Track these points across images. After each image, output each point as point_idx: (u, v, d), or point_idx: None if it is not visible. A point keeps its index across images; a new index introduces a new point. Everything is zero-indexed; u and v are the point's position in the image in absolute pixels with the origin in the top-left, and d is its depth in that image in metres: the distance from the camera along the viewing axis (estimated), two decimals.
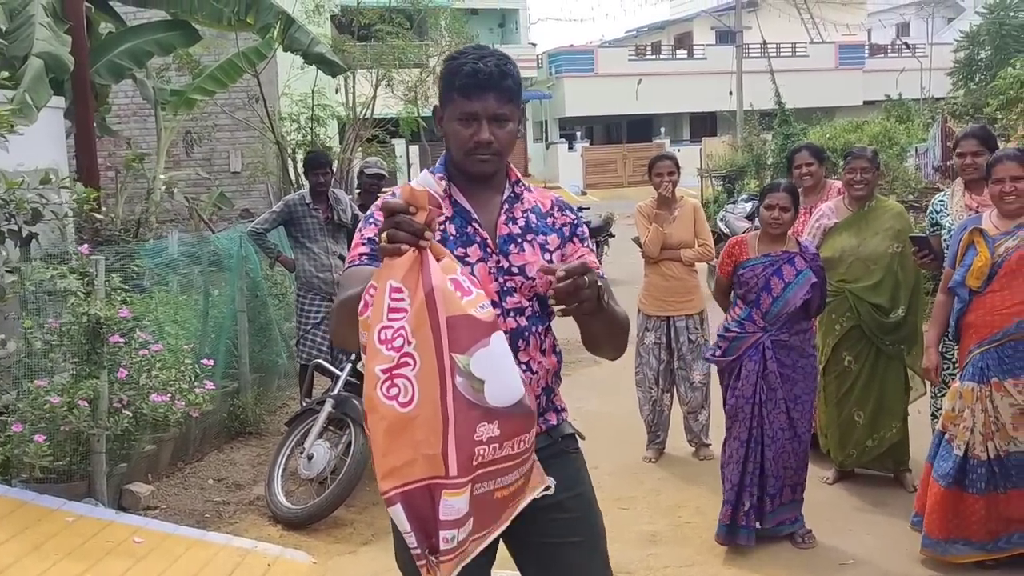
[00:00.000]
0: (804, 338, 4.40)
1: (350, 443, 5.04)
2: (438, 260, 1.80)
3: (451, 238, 2.12)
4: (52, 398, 4.40)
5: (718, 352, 4.51)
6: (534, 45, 38.71)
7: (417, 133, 15.72)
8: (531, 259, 2.16)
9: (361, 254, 2.13)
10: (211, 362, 5.59)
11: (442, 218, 1.95)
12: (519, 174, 2.29)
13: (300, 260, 6.33)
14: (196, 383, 5.19)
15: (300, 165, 9.43)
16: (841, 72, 36.78)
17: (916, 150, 12.97)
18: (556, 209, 2.29)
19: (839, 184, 5.69)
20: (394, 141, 22.10)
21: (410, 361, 1.75)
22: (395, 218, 1.75)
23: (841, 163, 5.30)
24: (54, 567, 3.88)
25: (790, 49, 36.25)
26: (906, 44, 32.30)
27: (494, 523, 1.86)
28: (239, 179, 13.11)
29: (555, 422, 2.27)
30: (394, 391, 1.74)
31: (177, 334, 5.87)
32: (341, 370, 5.44)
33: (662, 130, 36.11)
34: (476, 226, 2.15)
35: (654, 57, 38.25)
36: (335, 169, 11.20)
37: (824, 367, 5.02)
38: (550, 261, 2.18)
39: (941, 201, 4.87)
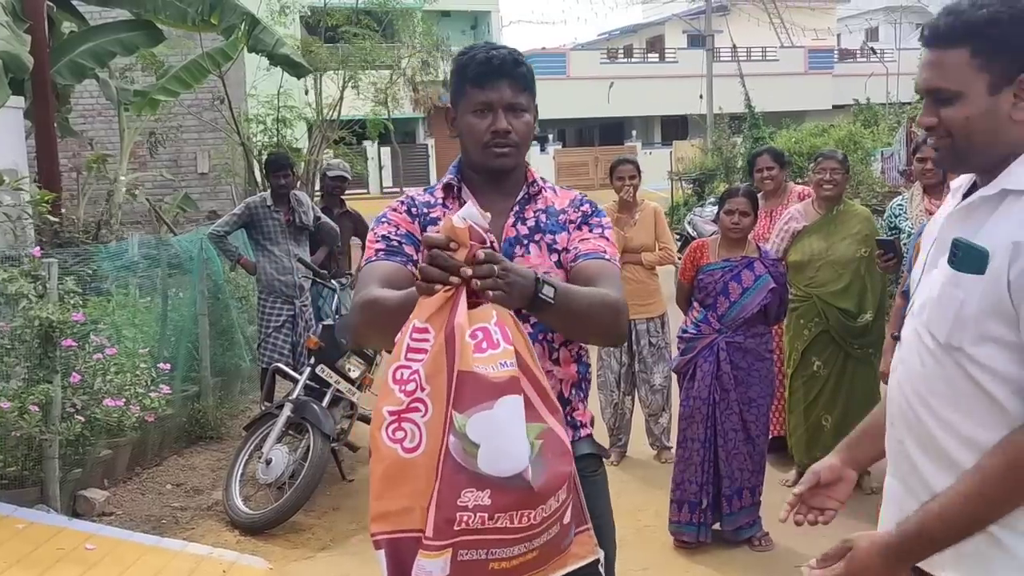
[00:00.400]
0: (760, 342, 4.42)
1: (309, 447, 5.01)
2: (475, 305, 1.71)
3: None
4: (2, 403, 4.34)
5: (676, 354, 4.54)
6: None
7: (386, 135, 15.67)
8: (537, 261, 2.07)
9: (377, 250, 2.08)
10: (168, 366, 5.53)
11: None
12: (537, 175, 2.21)
13: (261, 263, 6.29)
14: (152, 387, 5.13)
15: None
16: (811, 76, 37.11)
17: (881, 154, 13.11)
18: (571, 206, 2.19)
19: (800, 188, 5.74)
20: (365, 143, 22.10)
21: (420, 407, 1.69)
22: (431, 253, 1.68)
23: (810, 166, 5.34)
24: (3, 574, 3.82)
25: (760, 53, 36.54)
26: (873, 49, 32.63)
27: None
28: (206, 181, 13.02)
29: (570, 439, 2.06)
30: (400, 435, 1.69)
31: (135, 337, 5.81)
32: (301, 374, 5.41)
33: (634, 133, 36.27)
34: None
35: (626, 60, 38.43)
36: (302, 171, 11.16)
37: (793, 372, 5.05)
38: (558, 262, 2.09)
39: (900, 205, 4.91)
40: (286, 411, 5.11)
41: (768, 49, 36.49)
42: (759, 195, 5.70)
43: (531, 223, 2.12)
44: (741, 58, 27.42)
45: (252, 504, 5.02)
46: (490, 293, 1.70)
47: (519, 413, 1.68)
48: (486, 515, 1.63)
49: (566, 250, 2.11)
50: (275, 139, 11.41)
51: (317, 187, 7.42)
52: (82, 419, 4.63)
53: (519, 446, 1.67)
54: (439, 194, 2.16)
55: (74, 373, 4.66)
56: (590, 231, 2.16)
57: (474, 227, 1.74)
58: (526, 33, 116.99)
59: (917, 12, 37.31)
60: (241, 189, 11.56)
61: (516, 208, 2.12)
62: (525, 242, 2.09)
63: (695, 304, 4.51)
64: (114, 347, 5.12)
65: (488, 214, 1.82)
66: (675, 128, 35.63)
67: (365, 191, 26.78)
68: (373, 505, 1.71)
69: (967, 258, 1.66)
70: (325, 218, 6.57)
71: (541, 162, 34.29)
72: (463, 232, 1.70)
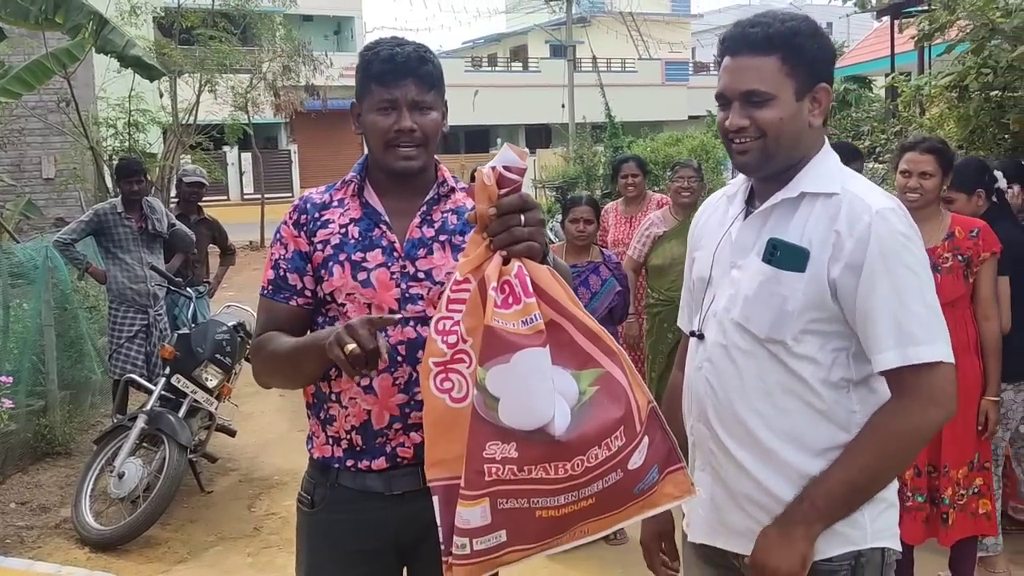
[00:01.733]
0: None
1: (164, 459, 4.89)
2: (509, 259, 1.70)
3: (352, 241, 2.01)
4: None
5: None
6: None
7: (247, 140, 15.35)
8: (440, 262, 2.01)
9: (268, 281, 2.06)
10: (9, 379, 5.30)
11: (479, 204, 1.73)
12: (450, 174, 2.13)
13: (112, 272, 6.10)
14: None
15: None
16: (667, 88, 38.40)
17: (730, 163, 13.71)
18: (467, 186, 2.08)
19: (658, 196, 6.00)
20: (224, 148, 21.56)
21: (465, 359, 1.72)
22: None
23: (668, 174, 5.57)
24: None
25: (620, 65, 37.56)
26: None
27: (546, 538, 1.72)
28: (52, 186, 12.43)
29: None
30: (447, 385, 1.73)
31: None
32: (156, 385, 5.28)
33: (499, 140, 36.62)
34: (383, 228, 2.02)
35: (490, 69, 38.82)
36: (156, 177, 10.82)
37: (660, 375, 5.24)
38: None
39: None
40: (140, 422, 4.97)
41: (627, 61, 37.55)
42: (620, 201, 5.94)
43: (438, 224, 2.05)
44: (601, 69, 28.13)
45: (103, 520, 4.86)
46: (503, 251, 1.69)
47: (540, 367, 1.66)
48: (515, 467, 1.64)
49: None
50: (127, 143, 11.02)
51: (173, 193, 7.22)
52: None
53: (542, 400, 1.65)
54: (337, 194, 2.09)
55: None
56: None
57: (504, 175, 1.69)
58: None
59: None
60: (90, 195, 11.11)
61: (423, 208, 2.05)
62: (429, 243, 2.03)
63: None
64: None
65: (526, 151, 1.79)
66: (539, 136, 36.19)
67: (225, 198, 26.11)
68: (428, 452, 1.76)
69: (787, 257, 1.79)
70: (180, 225, 6.43)
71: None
72: (491, 188, 1.68)
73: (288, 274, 2.04)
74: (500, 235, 1.68)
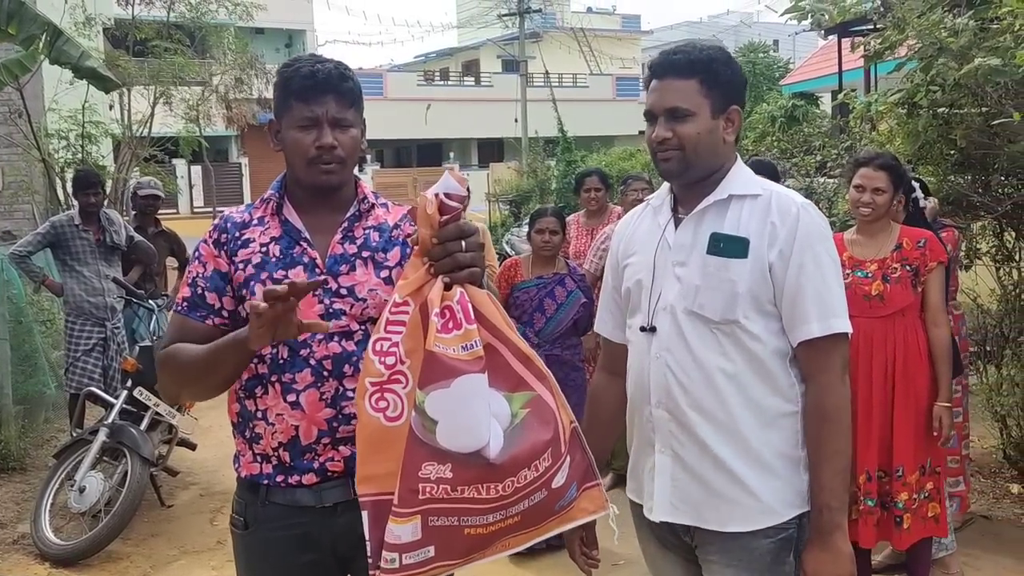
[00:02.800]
0: (574, 352, 4.67)
1: (126, 473, 4.85)
2: (449, 287, 1.75)
3: (273, 260, 2.00)
4: None
5: None
6: None
7: (199, 153, 15.19)
8: (362, 279, 2.01)
9: (183, 299, 2.04)
10: None
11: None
12: (370, 191, 2.14)
13: (69, 284, 6.03)
14: None
15: (70, 185, 8.94)
16: (618, 103, 38.74)
17: None
18: (406, 221, 2.12)
19: (619, 209, 6.09)
20: (175, 161, 21.29)
21: (402, 379, 1.76)
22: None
23: (620, 188, 5.65)
24: None
25: (571, 80, 37.85)
26: None
27: (471, 553, 1.78)
28: (1, 199, 12.20)
29: None
30: (382, 404, 1.76)
31: None
32: (116, 398, 5.23)
33: (451, 155, 36.66)
34: (304, 246, 2.02)
35: (443, 83, 38.86)
36: (109, 189, 10.67)
37: None
38: (387, 278, 2.03)
39: None
40: (101, 436, 4.92)
41: (579, 76, 37.87)
42: (582, 213, 6.01)
43: (360, 241, 2.06)
44: (553, 84, 28.35)
45: (64, 535, 4.80)
46: (445, 276, 1.75)
47: (479, 392, 1.72)
48: (448, 487, 1.70)
49: (400, 265, 2.04)
50: (79, 156, 10.85)
51: (132, 207, 7.14)
52: None
53: (479, 424, 1.71)
54: (257, 212, 2.08)
55: None
56: None
57: (445, 202, 1.74)
58: (342, 53, 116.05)
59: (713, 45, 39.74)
60: (42, 207, 10.92)
61: (345, 225, 2.06)
62: (352, 259, 2.03)
63: (512, 321, 4.70)
64: None
65: (467, 177, 1.83)
66: (491, 150, 36.31)
67: (174, 211, 25.79)
68: (359, 468, 1.79)
69: (729, 247, 2.05)
70: (140, 237, 6.37)
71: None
72: (431, 216, 1.72)
73: (207, 292, 2.02)
74: (442, 260, 1.75)
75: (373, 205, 2.13)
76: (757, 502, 2.07)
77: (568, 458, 1.83)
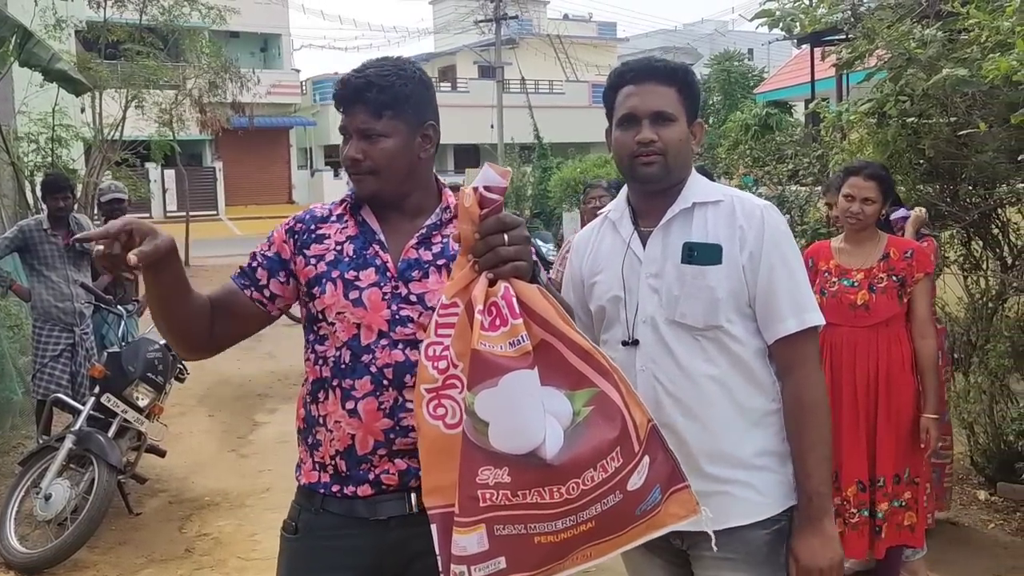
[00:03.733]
0: None
1: (93, 481, 4.79)
2: (495, 282, 1.68)
3: (346, 259, 1.98)
4: None
5: None
6: (297, 71, 38.25)
7: (171, 157, 15.10)
8: (434, 287, 1.95)
9: (240, 267, 2.07)
10: None
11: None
12: (452, 199, 2.06)
13: (37, 289, 5.96)
14: None
15: (39, 188, 8.86)
16: (594, 109, 38.75)
17: None
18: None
19: None
20: (147, 165, 21.14)
21: (457, 384, 1.68)
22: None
23: (582, 196, 5.66)
24: None
25: (547, 86, 37.97)
26: None
27: (547, 564, 1.68)
28: None
29: None
30: (441, 411, 1.69)
31: None
32: (84, 404, 5.17)
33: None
34: (377, 248, 1.99)
35: None
36: (80, 193, 10.58)
37: None
38: None
39: None
40: (68, 443, 4.86)
41: (555, 83, 37.99)
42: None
43: (437, 248, 2.01)
44: (529, 90, 28.45)
45: (29, 543, 4.73)
46: (489, 272, 1.69)
47: (529, 389, 1.64)
48: (509, 492, 1.61)
49: None
50: (49, 159, 10.75)
51: (99, 213, 7.07)
52: None
53: (531, 422, 1.63)
54: (337, 209, 2.08)
55: None
56: None
57: (485, 195, 1.68)
58: (318, 58, 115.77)
59: (688, 53, 40.00)
60: (10, 212, 10.81)
61: (423, 231, 2.01)
62: (426, 267, 1.98)
63: None
64: None
65: (509, 170, 1.75)
66: (468, 156, 36.32)
67: (147, 215, 25.59)
68: (424, 480, 1.73)
69: (703, 254, 2.09)
70: None
71: (335, 187, 33.97)
72: (471, 209, 1.67)
73: (259, 268, 2.03)
74: (485, 256, 1.69)
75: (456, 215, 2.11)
76: (755, 495, 2.12)
77: (646, 458, 1.74)
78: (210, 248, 20.35)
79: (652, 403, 2.07)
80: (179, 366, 5.67)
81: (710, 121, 24.35)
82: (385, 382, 1.93)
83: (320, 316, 1.99)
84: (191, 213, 21.63)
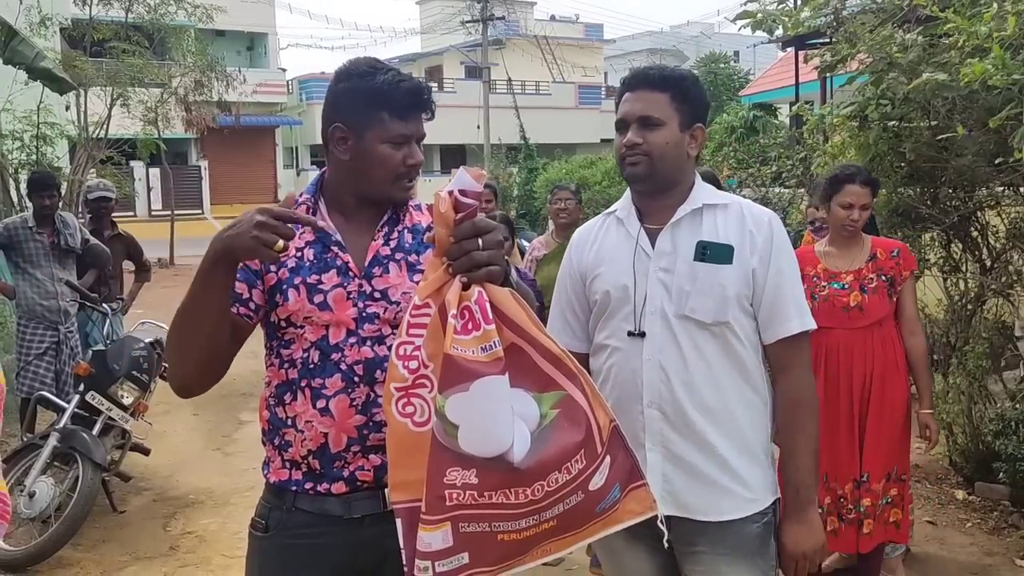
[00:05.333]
0: None
1: (77, 478, 4.79)
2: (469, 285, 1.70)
3: (307, 264, 1.97)
4: None
5: None
6: (284, 70, 38.14)
7: (157, 155, 15.05)
8: (396, 281, 1.98)
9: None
10: None
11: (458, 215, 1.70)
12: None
13: (22, 287, 5.94)
14: None
15: (24, 186, 8.82)
16: (580, 111, 39.00)
17: None
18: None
19: None
20: (132, 163, 21.04)
21: (426, 383, 1.72)
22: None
23: (549, 198, 5.68)
24: None
25: (534, 87, 38.00)
26: None
27: (508, 560, 1.72)
28: None
29: None
30: (410, 409, 1.72)
31: None
32: (68, 402, 5.17)
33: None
34: (336, 249, 1.98)
35: None
36: (65, 191, 10.52)
37: None
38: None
39: None
40: (52, 440, 4.86)
41: (541, 84, 38.03)
42: (552, 232, 5.94)
43: (394, 243, 2.03)
44: (516, 91, 28.48)
45: (12, 541, 4.72)
46: (463, 275, 1.70)
47: (500, 395, 1.66)
48: (475, 492, 1.65)
49: None
50: (34, 157, 10.70)
51: (85, 211, 7.05)
52: None
53: (500, 427, 1.66)
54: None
55: None
56: None
57: (460, 199, 1.69)
58: (305, 57, 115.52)
59: (675, 55, 40.18)
60: None
61: (385, 228, 2.03)
62: (385, 262, 2.00)
63: None
64: None
65: (484, 173, 1.76)
66: (454, 157, 36.30)
67: (132, 214, 25.50)
68: (391, 475, 1.76)
69: (715, 254, 2.21)
70: (95, 240, 6.31)
71: None
72: (446, 214, 1.68)
73: (237, 283, 1.97)
74: (459, 260, 1.69)
75: (408, 207, 2.10)
76: (748, 490, 2.24)
77: (608, 458, 1.77)
78: (195, 247, 20.17)
79: (656, 392, 2.23)
80: (164, 364, 5.67)
81: None
82: (356, 379, 1.94)
83: (285, 323, 1.97)
84: (176, 212, 21.57)
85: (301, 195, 2.04)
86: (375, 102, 1.94)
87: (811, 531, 2.25)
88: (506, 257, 1.79)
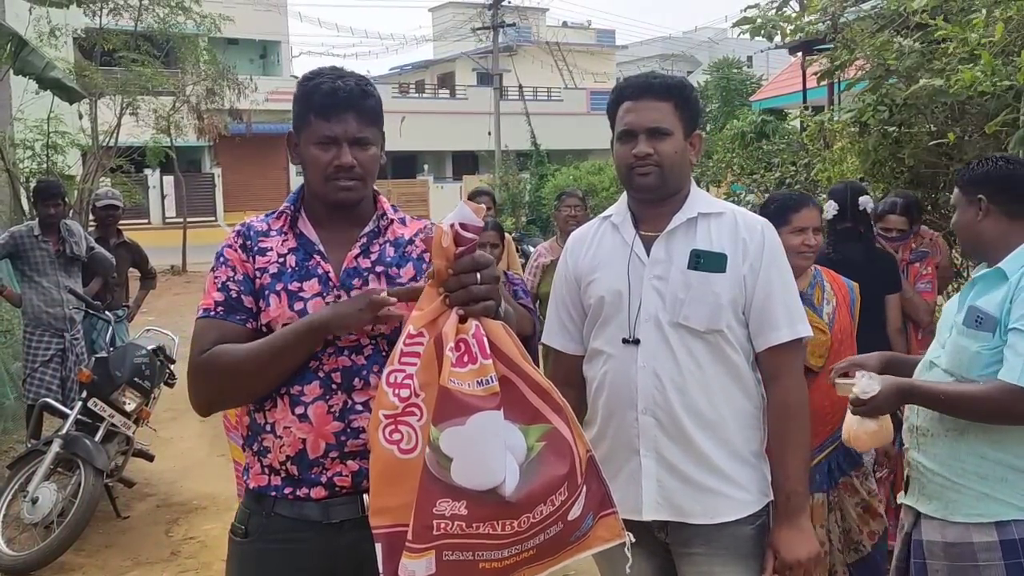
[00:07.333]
0: None
1: (80, 484, 4.83)
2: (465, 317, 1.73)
3: (289, 271, 2.00)
4: None
5: None
6: (296, 78, 38.29)
7: (168, 163, 15.15)
8: None
9: (217, 303, 1.99)
10: None
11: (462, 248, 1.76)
12: (389, 206, 2.12)
13: (28, 295, 6.00)
14: None
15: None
16: (593, 116, 38.72)
17: None
18: (421, 237, 2.09)
19: None
20: (146, 171, 21.19)
21: (416, 412, 1.73)
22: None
23: (556, 204, 5.69)
24: None
25: (545, 93, 38.01)
26: None
27: None
28: None
29: None
30: (396, 436, 1.73)
31: None
32: (72, 409, 5.22)
33: (425, 167, 36.71)
34: (318, 259, 2.01)
35: (417, 95, 38.90)
36: (74, 200, 10.63)
37: None
38: None
39: None
40: (55, 447, 4.91)
41: (552, 90, 38.03)
42: (557, 238, 5.92)
43: (375, 255, 2.04)
44: (527, 97, 28.51)
45: (16, 545, 4.77)
46: (460, 308, 1.74)
47: (495, 429, 1.69)
48: (463, 523, 1.68)
49: (413, 282, 2.01)
50: (44, 166, 10.81)
51: (92, 218, 7.11)
52: None
53: (494, 462, 1.69)
54: (276, 223, 2.07)
55: None
56: None
57: (460, 233, 1.72)
58: (316, 65, 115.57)
59: (687, 60, 40.14)
60: (6, 218, 10.86)
61: (363, 240, 2.04)
62: (365, 274, 2.01)
63: None
64: None
65: (483, 207, 1.80)
66: (465, 163, 36.36)
67: (146, 221, 25.66)
68: (372, 500, 1.78)
69: (709, 262, 2.24)
70: (99, 248, 6.36)
71: None
72: (447, 248, 1.71)
73: (243, 296, 2.00)
74: (457, 293, 1.74)
75: (392, 220, 2.11)
76: (741, 492, 2.27)
77: (584, 488, 1.81)
78: (208, 254, 20.21)
79: (650, 398, 2.24)
80: (167, 371, 5.72)
81: (707, 128, 24.43)
82: (334, 386, 1.96)
83: (266, 328, 1.99)
84: (189, 219, 21.69)
85: (283, 205, 2.08)
86: (304, 105, 2.00)
87: (805, 538, 2.25)
88: (506, 271, 1.83)
